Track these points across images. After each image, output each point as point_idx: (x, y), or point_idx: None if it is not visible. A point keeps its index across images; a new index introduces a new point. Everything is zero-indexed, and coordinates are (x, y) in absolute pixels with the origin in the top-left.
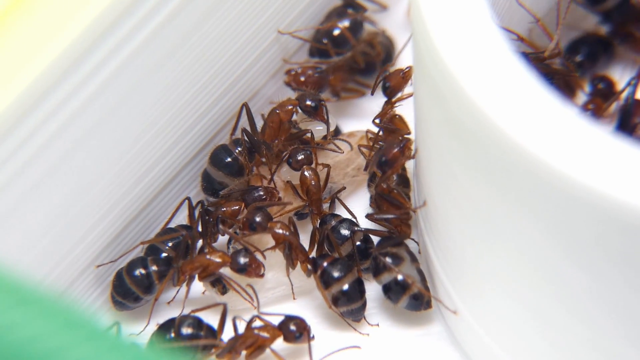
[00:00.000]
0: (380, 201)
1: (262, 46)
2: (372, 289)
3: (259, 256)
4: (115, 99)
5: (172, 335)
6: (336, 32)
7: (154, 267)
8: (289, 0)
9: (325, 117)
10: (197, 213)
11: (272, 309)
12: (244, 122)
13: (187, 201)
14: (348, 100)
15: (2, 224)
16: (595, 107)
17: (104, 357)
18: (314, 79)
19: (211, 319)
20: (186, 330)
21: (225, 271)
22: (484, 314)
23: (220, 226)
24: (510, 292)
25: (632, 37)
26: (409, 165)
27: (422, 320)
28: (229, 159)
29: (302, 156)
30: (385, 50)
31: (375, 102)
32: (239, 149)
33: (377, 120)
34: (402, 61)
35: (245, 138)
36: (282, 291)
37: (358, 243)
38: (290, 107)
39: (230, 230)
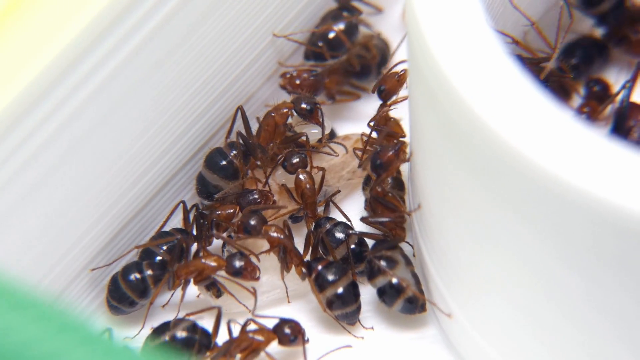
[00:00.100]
0: (375, 204)
1: (258, 49)
2: (367, 292)
3: (254, 259)
4: (111, 103)
5: (167, 338)
6: (331, 35)
7: (149, 272)
8: (284, 3)
9: (321, 120)
10: (191, 216)
11: (267, 312)
12: (239, 125)
13: (181, 204)
14: (343, 103)
15: None
16: (591, 110)
17: None
18: (309, 82)
19: (206, 322)
20: (181, 334)
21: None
22: (478, 317)
23: (214, 230)
24: (504, 295)
25: (627, 40)
26: (404, 168)
27: (417, 324)
28: (224, 162)
29: (297, 159)
30: (381, 53)
31: (370, 105)
32: (234, 152)
33: (372, 124)
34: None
35: (241, 141)
36: (277, 294)
37: (352, 246)
38: (285, 110)
39: (224, 234)
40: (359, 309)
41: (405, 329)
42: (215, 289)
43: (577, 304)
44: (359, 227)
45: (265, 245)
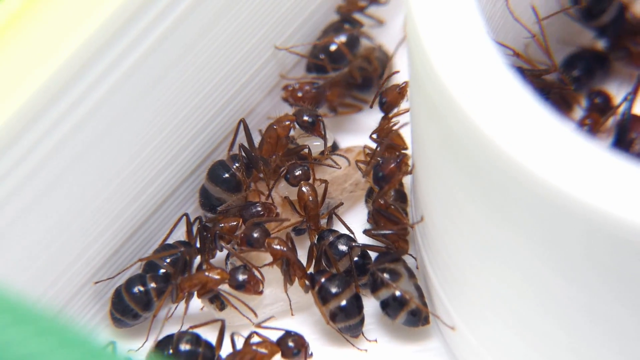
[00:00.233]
0: (378, 217)
1: (259, 62)
2: (370, 304)
3: (257, 273)
4: (112, 117)
5: (170, 351)
6: (333, 47)
7: (153, 284)
8: (285, 16)
9: (323, 132)
10: (195, 229)
11: (271, 324)
12: (242, 138)
13: (185, 217)
14: (345, 115)
15: (0, 242)
16: (593, 122)
17: None
18: (311, 95)
19: (209, 335)
20: (184, 347)
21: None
22: (482, 330)
23: (220, 242)
24: (508, 308)
25: (628, 52)
26: (407, 180)
27: (420, 336)
28: (227, 175)
29: (300, 172)
30: (382, 65)
31: (372, 117)
32: (237, 164)
33: (374, 136)
34: (398, 76)
35: (243, 154)
36: (280, 307)
37: (356, 259)
38: (287, 123)
39: (229, 245)
40: (362, 321)
41: (408, 342)
42: (218, 301)
43: (582, 320)
44: (362, 239)
45: (268, 257)
